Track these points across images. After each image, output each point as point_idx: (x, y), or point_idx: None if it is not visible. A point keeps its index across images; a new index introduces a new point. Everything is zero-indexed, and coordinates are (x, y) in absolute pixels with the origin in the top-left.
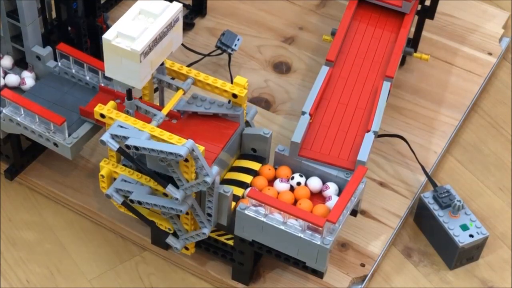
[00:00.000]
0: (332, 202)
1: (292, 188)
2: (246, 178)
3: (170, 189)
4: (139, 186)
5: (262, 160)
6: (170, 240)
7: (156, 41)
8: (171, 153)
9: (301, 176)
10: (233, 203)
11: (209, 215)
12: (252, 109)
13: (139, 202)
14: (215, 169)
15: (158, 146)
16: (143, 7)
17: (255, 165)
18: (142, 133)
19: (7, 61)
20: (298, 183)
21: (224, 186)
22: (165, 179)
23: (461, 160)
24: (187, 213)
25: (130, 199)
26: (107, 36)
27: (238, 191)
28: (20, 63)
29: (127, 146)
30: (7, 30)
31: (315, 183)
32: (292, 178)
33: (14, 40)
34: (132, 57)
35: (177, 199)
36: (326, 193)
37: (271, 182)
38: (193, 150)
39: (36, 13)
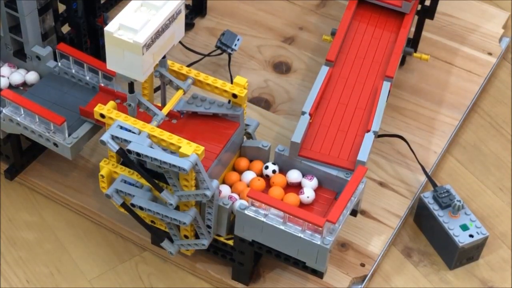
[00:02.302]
0: (304, 196)
1: (268, 178)
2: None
3: (165, 194)
4: (140, 189)
5: None
6: (165, 244)
7: (158, 33)
8: (174, 166)
9: (274, 164)
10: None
11: (209, 226)
12: (254, 122)
13: (141, 208)
14: (215, 182)
15: (161, 157)
16: None
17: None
18: (144, 139)
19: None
20: (274, 171)
21: (224, 199)
22: (164, 178)
23: (461, 160)
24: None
25: (131, 203)
26: (109, 28)
27: None
28: (18, 55)
29: (129, 151)
30: (6, 21)
31: (293, 174)
32: (267, 167)
33: (12, 31)
34: (134, 50)
35: (171, 204)
36: (305, 185)
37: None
38: (196, 164)
39: (35, 3)
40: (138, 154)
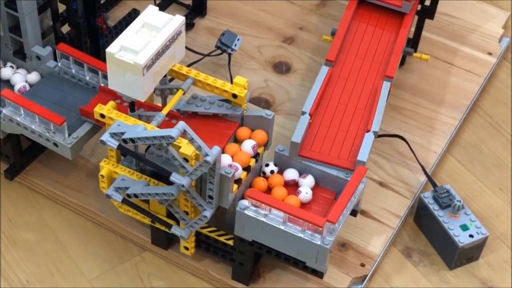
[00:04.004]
0: (303, 193)
1: (266, 175)
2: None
3: (175, 176)
4: (135, 181)
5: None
6: (175, 229)
7: (159, 54)
8: (163, 137)
9: (275, 165)
10: (235, 186)
11: (210, 197)
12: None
13: (135, 195)
14: (216, 148)
15: (150, 133)
16: (146, 20)
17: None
18: (137, 126)
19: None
20: (272, 171)
21: (226, 167)
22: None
23: (461, 160)
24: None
25: (127, 194)
26: (111, 49)
27: (241, 175)
28: (18, 55)
29: (124, 141)
30: (5, 21)
31: (289, 173)
32: (267, 165)
33: (12, 31)
34: (135, 70)
35: (183, 185)
36: (301, 183)
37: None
38: (185, 131)
39: (35, 3)
40: (132, 140)
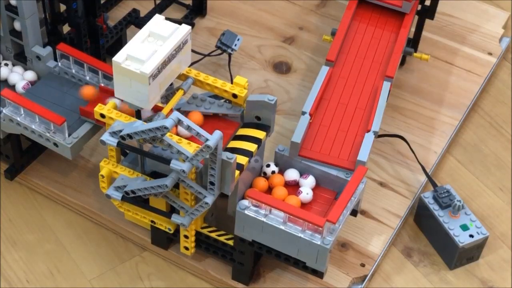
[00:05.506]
0: (303, 194)
1: (266, 176)
2: (250, 147)
3: (175, 163)
4: (133, 178)
5: (266, 128)
6: (175, 218)
7: (165, 63)
8: (157, 128)
9: (276, 165)
10: (237, 172)
11: (212, 183)
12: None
13: (133, 192)
14: (217, 133)
15: (146, 127)
16: (152, 29)
17: (259, 134)
18: (134, 123)
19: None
20: (273, 172)
21: (227, 152)
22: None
23: (461, 160)
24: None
25: (125, 191)
26: (117, 58)
27: (242, 160)
28: (19, 58)
29: (122, 137)
30: (6, 24)
31: (289, 173)
32: (268, 165)
33: (13, 34)
34: (141, 80)
35: (183, 171)
36: (302, 184)
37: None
38: (179, 120)
39: (35, 6)
40: (129, 136)
